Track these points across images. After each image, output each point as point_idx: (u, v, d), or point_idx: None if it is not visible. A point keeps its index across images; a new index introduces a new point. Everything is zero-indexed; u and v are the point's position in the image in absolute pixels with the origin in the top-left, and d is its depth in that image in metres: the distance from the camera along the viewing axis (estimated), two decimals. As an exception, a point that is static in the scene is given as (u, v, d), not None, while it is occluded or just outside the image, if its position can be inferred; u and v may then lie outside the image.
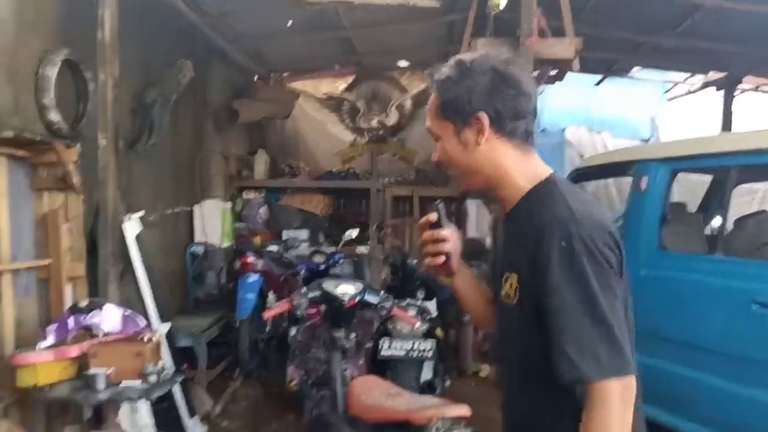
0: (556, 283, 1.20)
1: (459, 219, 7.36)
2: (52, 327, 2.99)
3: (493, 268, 1.52)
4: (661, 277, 3.62)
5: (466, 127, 1.33)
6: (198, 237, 6.33)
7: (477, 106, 1.31)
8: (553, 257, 1.20)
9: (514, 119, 1.33)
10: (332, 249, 6.48)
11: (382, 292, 3.24)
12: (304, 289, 3.14)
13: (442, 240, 1.46)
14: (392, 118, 8.53)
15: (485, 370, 5.79)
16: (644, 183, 3.89)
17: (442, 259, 1.47)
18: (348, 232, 6.27)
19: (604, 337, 1.17)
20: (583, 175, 4.76)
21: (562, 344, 1.18)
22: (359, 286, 3.23)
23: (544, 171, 1.37)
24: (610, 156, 4.84)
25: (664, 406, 3.34)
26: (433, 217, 1.47)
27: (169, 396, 3.94)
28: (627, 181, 6.55)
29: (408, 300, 4.28)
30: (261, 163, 7.83)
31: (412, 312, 3.85)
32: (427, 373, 4.20)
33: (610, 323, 1.18)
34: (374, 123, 8.51)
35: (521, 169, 1.36)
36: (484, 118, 1.31)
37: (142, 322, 3.21)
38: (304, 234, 7.56)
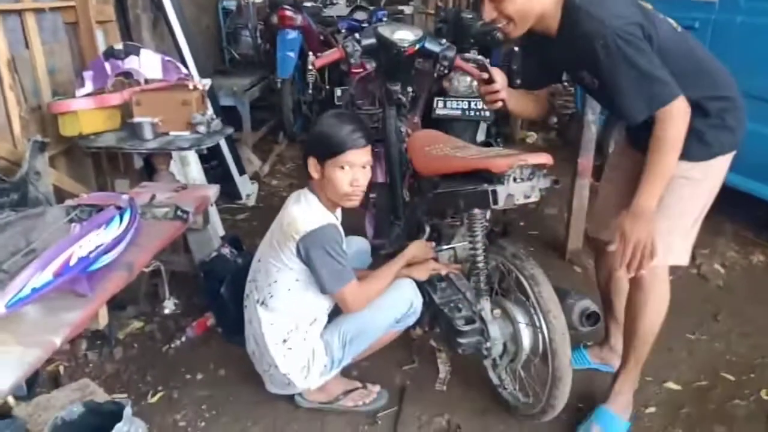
0: (614, 69, 1.66)
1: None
2: (89, 73, 2.77)
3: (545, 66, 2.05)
4: (762, 26, 3.16)
5: None
6: (229, -10, 5.82)
7: None
8: (603, 56, 1.65)
9: None
10: (373, 7, 5.94)
11: (443, 41, 2.88)
12: (357, 35, 2.81)
13: (496, 91, 1.95)
14: None
15: (532, 137, 5.62)
16: None
17: (500, 104, 1.99)
18: (391, -14, 5.71)
19: (652, 82, 1.65)
20: None
21: (629, 99, 1.70)
22: (419, 32, 2.86)
23: None
24: None
25: (754, 174, 3.13)
26: (484, 75, 1.96)
27: (218, 155, 3.88)
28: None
29: (465, 54, 3.90)
30: None
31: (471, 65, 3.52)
32: (481, 135, 4.00)
33: (653, 74, 1.65)
34: None
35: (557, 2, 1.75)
36: None
37: (184, 70, 2.97)
38: (340, -10, 6.93)
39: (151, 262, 2.18)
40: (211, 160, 3.95)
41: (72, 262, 1.66)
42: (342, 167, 1.90)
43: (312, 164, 1.94)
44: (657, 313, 1.98)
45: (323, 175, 1.93)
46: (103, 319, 1.86)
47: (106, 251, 1.82)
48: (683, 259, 1.95)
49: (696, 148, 1.81)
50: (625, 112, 1.73)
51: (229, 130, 2.95)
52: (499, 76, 1.95)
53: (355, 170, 1.92)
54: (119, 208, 1.99)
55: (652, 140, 1.70)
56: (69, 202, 2.20)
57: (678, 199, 1.86)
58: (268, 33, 5.27)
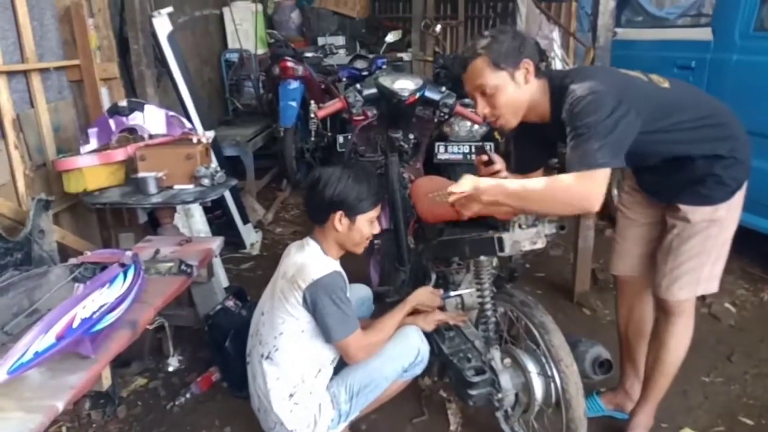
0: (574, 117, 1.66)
1: (509, 16, 6.72)
2: (93, 130, 2.80)
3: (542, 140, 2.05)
4: (758, 63, 3.19)
5: (517, 71, 1.77)
6: (231, 43, 5.93)
7: (523, 55, 1.77)
8: (571, 106, 1.68)
9: (539, 62, 1.83)
10: (372, 56, 6.04)
11: (443, 88, 2.92)
12: (358, 86, 2.84)
13: (497, 172, 2.00)
14: None
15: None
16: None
17: None
18: (389, 35, 5.80)
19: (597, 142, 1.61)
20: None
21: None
22: (419, 81, 2.90)
23: (542, 82, 1.83)
24: None
25: (757, 210, 3.11)
26: (484, 157, 2.03)
27: (221, 205, 3.89)
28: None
29: (465, 100, 3.94)
30: (290, -40, 7.12)
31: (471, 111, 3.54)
32: (483, 178, 4.01)
33: (607, 136, 1.61)
34: None
35: (543, 89, 1.83)
36: (530, 63, 1.78)
37: (188, 124, 3.00)
38: (340, 40, 7.07)
39: (155, 318, 2.15)
40: (215, 210, 3.96)
41: (75, 324, 1.64)
42: (371, 221, 2.02)
43: (338, 218, 1.96)
44: (681, 344, 2.04)
45: (350, 228, 1.98)
46: (107, 381, 1.83)
47: (110, 310, 1.80)
48: (712, 287, 2.00)
49: (718, 191, 1.86)
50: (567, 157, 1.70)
51: (233, 182, 2.96)
52: (498, 158, 2.02)
53: (374, 222, 2.05)
54: (123, 265, 1.98)
55: (543, 179, 1.67)
56: (72, 260, 2.19)
57: (705, 238, 1.90)
58: (270, 83, 5.36)
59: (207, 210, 3.67)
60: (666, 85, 1.89)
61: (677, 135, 1.81)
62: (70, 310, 1.64)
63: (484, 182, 1.77)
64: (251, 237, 4.07)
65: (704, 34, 3.54)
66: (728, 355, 2.76)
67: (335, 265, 1.98)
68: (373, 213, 2.02)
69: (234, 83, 5.92)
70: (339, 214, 1.96)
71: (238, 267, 3.81)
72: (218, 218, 4.04)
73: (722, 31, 3.42)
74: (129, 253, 2.12)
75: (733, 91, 3.29)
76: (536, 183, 1.66)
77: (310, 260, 1.96)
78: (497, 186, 1.73)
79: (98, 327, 1.75)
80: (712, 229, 1.90)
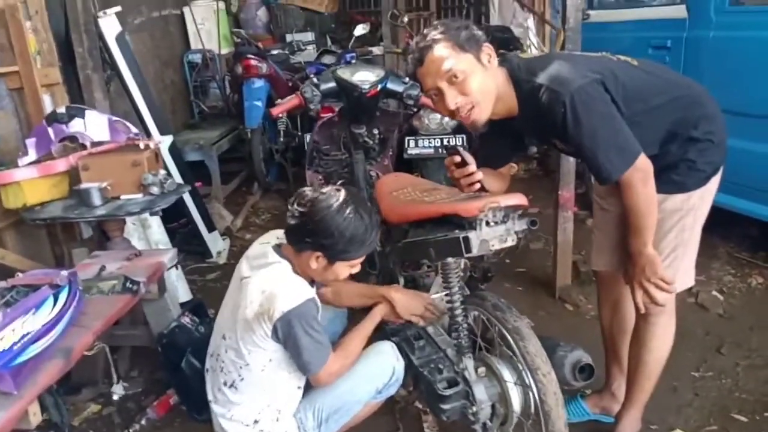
0: (580, 132, 1.61)
1: (482, 5, 6.57)
2: (32, 140, 2.60)
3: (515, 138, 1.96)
4: (735, 39, 3.06)
5: (481, 53, 1.68)
6: (194, 44, 5.72)
7: (481, 39, 1.69)
8: (567, 120, 1.60)
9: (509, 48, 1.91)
10: (341, 51, 5.85)
11: (407, 78, 2.75)
12: (315, 79, 2.67)
13: (471, 173, 1.76)
14: None
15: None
16: None
17: (477, 186, 1.78)
18: (357, 28, 5.62)
19: (617, 143, 1.62)
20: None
21: (598, 162, 1.64)
22: (380, 72, 2.74)
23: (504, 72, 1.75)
24: None
25: (740, 192, 2.99)
26: (456, 158, 1.76)
27: (185, 213, 3.70)
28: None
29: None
30: (254, -45, 6.89)
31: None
32: (457, 172, 3.85)
33: (617, 134, 1.61)
34: None
35: (506, 79, 1.74)
36: (490, 47, 1.71)
37: (134, 129, 2.80)
38: (309, 36, 6.86)
39: (96, 343, 1.97)
40: (180, 218, 3.77)
41: (-11, 359, 1.46)
42: (353, 266, 1.80)
43: (314, 257, 1.72)
44: (664, 344, 1.94)
45: (326, 269, 1.75)
46: (35, 418, 1.64)
47: (36, 339, 1.62)
48: (688, 282, 1.93)
49: (691, 177, 1.76)
50: (596, 174, 1.68)
51: (186, 189, 2.77)
52: (470, 158, 1.81)
53: (356, 266, 1.82)
54: (55, 286, 1.80)
55: (626, 208, 1.68)
56: (1, 283, 1.99)
57: (680, 230, 1.81)
58: (235, 83, 5.16)
59: (170, 219, 3.49)
60: (635, 63, 1.78)
61: (652, 118, 1.69)
62: (-18, 343, 1.46)
63: (638, 252, 1.71)
64: (218, 245, 3.88)
65: (679, 11, 3.40)
66: (718, 346, 2.62)
67: (308, 291, 1.74)
68: (358, 260, 1.79)
69: (199, 85, 5.70)
70: (316, 254, 1.72)
71: (204, 278, 3.62)
72: (183, 227, 3.86)
73: (697, 7, 3.28)
74: (64, 273, 1.93)
75: (711, 69, 3.16)
76: (637, 221, 1.68)
77: (280, 287, 1.70)
78: (642, 244, 1.70)
79: (21, 359, 1.57)
80: (686, 220, 1.80)
